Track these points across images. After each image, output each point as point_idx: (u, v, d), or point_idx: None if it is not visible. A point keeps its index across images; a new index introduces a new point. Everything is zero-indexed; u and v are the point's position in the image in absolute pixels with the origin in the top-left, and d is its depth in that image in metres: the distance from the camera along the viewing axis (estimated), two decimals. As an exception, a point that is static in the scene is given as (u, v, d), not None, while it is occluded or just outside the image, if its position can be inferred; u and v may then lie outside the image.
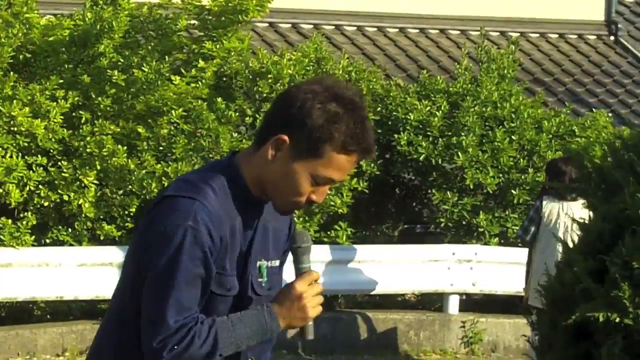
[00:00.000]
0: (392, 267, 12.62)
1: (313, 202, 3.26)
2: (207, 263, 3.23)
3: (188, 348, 3.20)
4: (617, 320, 6.61)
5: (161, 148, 12.47)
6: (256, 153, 3.26)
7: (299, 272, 3.31)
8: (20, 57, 12.73)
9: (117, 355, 3.35)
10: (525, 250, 10.97)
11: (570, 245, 8.71)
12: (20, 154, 12.14)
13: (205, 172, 3.42)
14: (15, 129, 12.01)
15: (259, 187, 3.29)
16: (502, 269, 12.38)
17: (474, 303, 12.99)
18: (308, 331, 3.33)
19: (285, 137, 3.16)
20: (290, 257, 3.44)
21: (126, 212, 12.47)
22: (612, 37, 19.14)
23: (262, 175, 3.27)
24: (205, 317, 3.29)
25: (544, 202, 10.43)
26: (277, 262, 3.48)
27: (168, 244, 3.19)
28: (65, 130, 12.29)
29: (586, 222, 8.29)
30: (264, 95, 12.87)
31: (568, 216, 10.05)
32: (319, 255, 12.33)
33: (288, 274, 3.40)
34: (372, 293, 12.78)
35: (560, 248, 8.79)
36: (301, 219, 12.41)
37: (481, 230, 12.80)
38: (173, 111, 12.02)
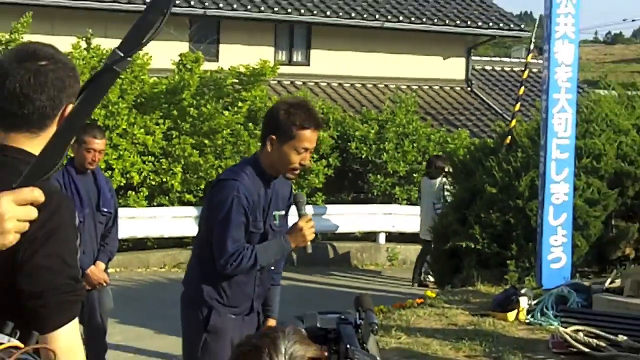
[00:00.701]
0: (348, 217, 16.97)
1: (304, 165, 4.39)
2: (246, 215, 4.30)
3: (240, 263, 4.33)
4: (473, 246, 10.48)
5: (217, 152, 16.63)
6: (264, 150, 4.37)
7: (300, 215, 4.43)
8: (138, 100, 16.94)
9: (201, 270, 4.48)
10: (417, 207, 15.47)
11: (446, 205, 13.65)
12: (138, 155, 16.28)
13: (242, 165, 4.53)
14: (136, 141, 16.44)
15: (271, 168, 4.40)
16: (408, 218, 16.82)
17: (393, 237, 17.24)
18: (308, 248, 4.51)
19: (273, 136, 4.30)
20: (293, 209, 4.56)
21: (199, 188, 16.47)
22: (469, 88, 24.56)
23: (271, 161, 4.38)
24: (249, 245, 4.36)
25: (423, 179, 14.93)
26: (283, 212, 4.56)
27: (224, 205, 4.29)
28: (164, 141, 16.54)
29: (451, 191, 13.24)
30: None
31: (435, 187, 14.23)
32: (312, 211, 15.75)
33: (293, 218, 4.55)
34: (336, 232, 17.04)
35: (433, 206, 13.72)
36: (298, 190, 17.24)
37: (396, 197, 17.66)
38: (224, 131, 16.61)
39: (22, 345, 1.83)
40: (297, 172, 4.47)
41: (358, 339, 2.51)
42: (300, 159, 4.37)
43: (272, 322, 4.79)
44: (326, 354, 2.34)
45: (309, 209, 14.87)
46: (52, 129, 2.67)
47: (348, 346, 2.01)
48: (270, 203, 4.41)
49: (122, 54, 1.84)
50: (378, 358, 2.23)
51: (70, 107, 2.79)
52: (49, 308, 2.41)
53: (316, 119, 4.45)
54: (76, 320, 2.49)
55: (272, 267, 4.62)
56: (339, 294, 12.95)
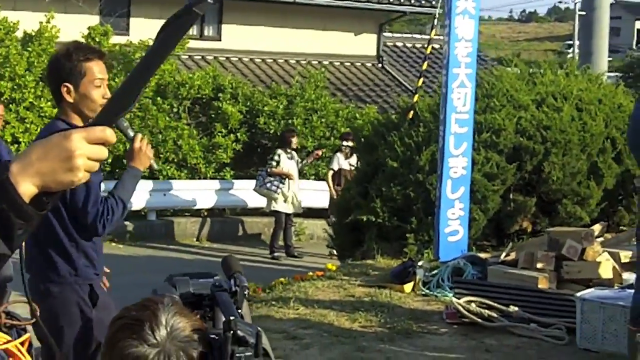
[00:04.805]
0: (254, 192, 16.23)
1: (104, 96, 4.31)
2: None
3: (113, 215, 4.41)
4: (373, 220, 10.54)
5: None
6: (63, 103, 4.44)
7: (131, 139, 4.37)
8: (45, 73, 15.89)
9: (58, 249, 4.46)
10: (324, 183, 16.15)
11: (349, 178, 13.94)
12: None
13: (50, 131, 3.99)
14: (43, 114, 16.41)
15: (80, 117, 4.40)
16: (315, 193, 17.02)
17: (300, 212, 16.38)
18: (154, 165, 4.55)
19: (67, 84, 4.35)
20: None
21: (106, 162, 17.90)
22: (380, 64, 24.83)
23: (76, 110, 4.42)
24: (105, 196, 4.41)
25: (337, 155, 15.73)
26: None
27: None
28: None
29: (356, 166, 13.45)
30: (184, 95, 17.83)
31: (346, 162, 15.16)
32: (217, 185, 17.20)
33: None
34: (246, 207, 17.45)
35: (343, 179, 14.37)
36: (204, 164, 17.59)
37: (304, 172, 17.36)
38: None
39: None
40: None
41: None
42: (102, 93, 4.37)
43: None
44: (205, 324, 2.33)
45: (216, 185, 16.22)
46: None
47: (231, 318, 2.01)
48: None
49: None
50: (258, 328, 2.22)
51: None
52: None
53: (96, 49, 4.54)
54: None
55: None
56: (246, 268, 12.99)
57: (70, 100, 4.36)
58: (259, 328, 1.95)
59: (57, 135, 1.80)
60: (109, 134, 1.79)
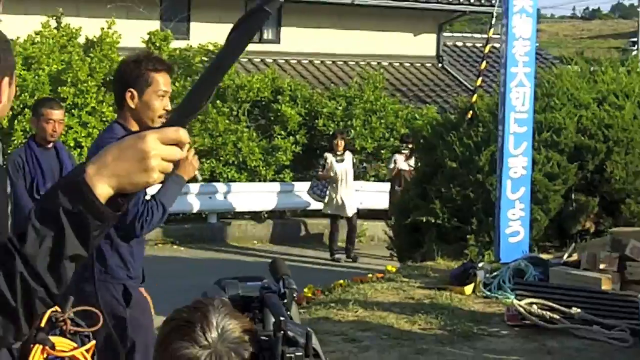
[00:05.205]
0: (313, 194, 16.72)
1: (167, 111, 4.43)
2: None
3: (152, 217, 4.40)
4: (433, 221, 10.54)
5: (186, 129, 17.56)
6: (125, 108, 4.51)
7: None
8: (107, 79, 16.73)
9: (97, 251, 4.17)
10: (387, 184, 16.13)
11: (408, 179, 13.95)
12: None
13: (109, 135, 4.45)
14: (105, 118, 16.45)
15: (139, 124, 4.47)
16: (376, 195, 16.94)
17: (361, 214, 16.47)
18: (198, 176, 4.71)
19: (131, 89, 4.42)
20: None
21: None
22: (440, 64, 24.74)
23: (136, 116, 4.49)
24: (147, 200, 4.43)
25: (395, 156, 15.67)
26: None
27: None
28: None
29: (415, 167, 13.26)
30: (243, 98, 17.81)
31: (405, 163, 15.15)
32: (277, 188, 17.30)
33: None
34: (303, 209, 17.49)
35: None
36: (264, 166, 17.61)
37: (364, 173, 17.88)
38: None
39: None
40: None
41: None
42: (163, 105, 4.46)
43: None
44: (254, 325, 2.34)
45: (276, 188, 16.23)
46: None
47: (281, 318, 2.01)
48: None
49: None
50: (308, 328, 2.22)
51: (5, 80, 2.83)
52: None
53: (165, 62, 4.64)
54: None
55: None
56: (306, 270, 13.04)
57: (132, 106, 4.43)
58: (308, 328, 1.93)
59: (131, 137, 1.82)
60: (182, 134, 1.81)
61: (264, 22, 1.85)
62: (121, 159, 1.79)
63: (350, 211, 15.30)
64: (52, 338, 2.44)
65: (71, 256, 1.78)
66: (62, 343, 2.38)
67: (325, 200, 15.29)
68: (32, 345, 2.31)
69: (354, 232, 15.41)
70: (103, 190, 1.78)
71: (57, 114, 7.33)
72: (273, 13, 1.81)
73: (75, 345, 2.40)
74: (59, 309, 2.45)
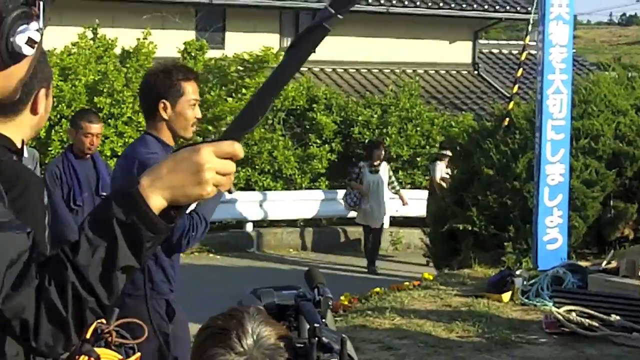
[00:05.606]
0: (350, 202, 16.62)
1: (199, 119, 4.50)
2: None
3: (197, 232, 4.31)
4: (470, 228, 10.52)
5: None
6: (157, 119, 4.43)
7: None
8: None
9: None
10: (423, 191, 16.24)
11: (445, 186, 13.90)
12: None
13: (142, 144, 4.46)
14: (141, 128, 16.10)
15: (172, 134, 4.44)
16: (411, 202, 16.37)
17: (397, 221, 17.47)
18: (232, 189, 5.69)
19: (164, 101, 4.39)
20: None
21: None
22: (475, 72, 24.70)
23: (170, 127, 4.43)
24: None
25: (437, 163, 15.42)
26: None
27: None
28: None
29: (451, 174, 13.21)
30: (278, 107, 17.84)
31: (443, 171, 14.96)
32: (313, 196, 17.39)
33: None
34: (339, 217, 17.29)
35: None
36: (299, 174, 17.72)
37: (400, 181, 17.50)
38: (227, 117, 16.65)
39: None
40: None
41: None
42: (195, 114, 4.46)
43: None
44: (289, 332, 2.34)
45: (313, 195, 16.45)
46: (26, 113, 2.75)
47: (316, 325, 2.01)
48: None
49: (333, 11, 1.81)
50: (343, 335, 2.22)
51: (42, 92, 2.87)
52: None
53: (193, 70, 4.64)
54: None
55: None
56: (342, 277, 12.97)
57: (165, 116, 4.40)
58: (343, 335, 1.93)
59: (186, 149, 1.81)
60: (237, 148, 1.81)
61: (323, 38, 1.83)
62: (176, 171, 1.79)
63: (378, 222, 15.13)
64: (97, 350, 2.45)
65: (123, 267, 1.78)
66: (107, 355, 2.39)
67: (356, 210, 15.18)
68: (77, 357, 2.31)
69: (377, 245, 15.20)
70: (157, 201, 1.79)
71: (95, 127, 7.35)
72: (332, 29, 1.80)
73: (121, 357, 2.40)
74: (104, 321, 2.45)
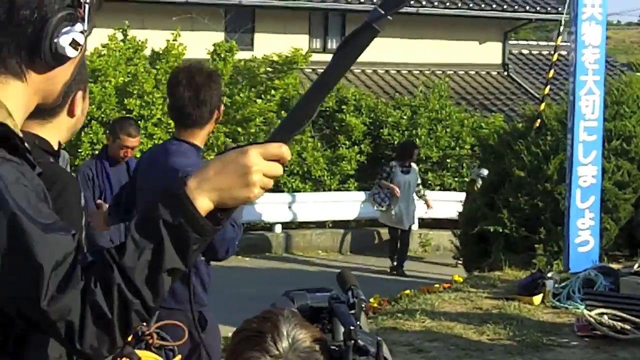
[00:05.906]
0: (380, 204, 16.68)
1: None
2: None
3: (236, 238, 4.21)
4: (501, 230, 10.47)
5: (250, 140, 15.99)
6: (209, 125, 4.37)
7: None
8: None
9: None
10: (453, 193, 16.61)
11: (475, 188, 13.86)
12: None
13: (185, 153, 4.32)
14: (171, 130, 16.20)
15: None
16: (441, 204, 16.42)
17: (426, 223, 17.46)
18: None
19: (221, 105, 4.35)
20: None
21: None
22: (505, 72, 24.62)
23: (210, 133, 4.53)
24: None
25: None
26: None
27: None
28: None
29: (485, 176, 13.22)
30: None
31: (475, 173, 14.87)
32: (342, 197, 17.36)
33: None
34: (368, 219, 17.24)
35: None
36: (328, 176, 17.77)
37: (429, 183, 17.74)
38: (257, 119, 16.90)
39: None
40: None
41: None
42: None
43: None
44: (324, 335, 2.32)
45: (342, 197, 16.65)
46: (63, 116, 2.85)
47: (351, 327, 1.99)
48: None
49: (382, 12, 1.80)
50: (378, 337, 2.19)
51: (79, 94, 2.90)
52: None
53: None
54: None
55: None
56: (372, 279, 12.91)
57: (213, 122, 4.30)
58: (379, 337, 1.91)
59: (234, 151, 1.81)
60: (285, 150, 1.80)
61: (372, 39, 1.82)
62: (223, 173, 1.79)
63: (407, 224, 14.99)
64: (138, 352, 2.44)
65: (169, 270, 1.77)
66: (148, 357, 2.39)
67: (384, 209, 14.97)
68: (119, 359, 2.31)
69: (406, 246, 15.07)
70: (204, 203, 1.78)
71: (132, 141, 7.32)
72: (382, 30, 1.77)
73: (161, 359, 2.40)
74: (144, 323, 2.48)
